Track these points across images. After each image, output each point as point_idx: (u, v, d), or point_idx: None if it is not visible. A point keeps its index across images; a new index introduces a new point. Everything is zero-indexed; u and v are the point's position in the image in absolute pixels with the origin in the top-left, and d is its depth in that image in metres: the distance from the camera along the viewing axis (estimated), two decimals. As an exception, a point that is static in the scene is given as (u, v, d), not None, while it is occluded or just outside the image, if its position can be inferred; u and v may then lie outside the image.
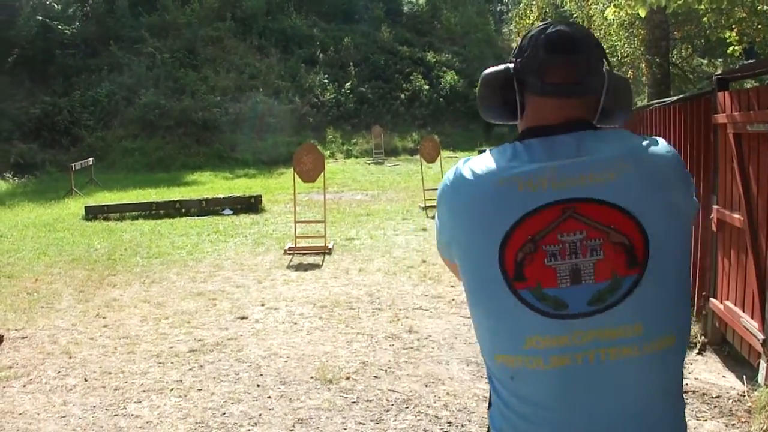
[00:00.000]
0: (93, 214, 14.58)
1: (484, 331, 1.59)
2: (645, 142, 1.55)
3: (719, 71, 8.08)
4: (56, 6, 31.38)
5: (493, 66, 1.74)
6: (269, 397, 5.14)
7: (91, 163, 21.02)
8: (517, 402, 1.53)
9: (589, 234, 1.44)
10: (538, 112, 1.62)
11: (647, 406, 1.48)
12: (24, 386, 5.47)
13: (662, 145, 1.56)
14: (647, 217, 1.45)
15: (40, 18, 29.43)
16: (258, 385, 5.35)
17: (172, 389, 5.32)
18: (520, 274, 1.46)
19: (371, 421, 4.69)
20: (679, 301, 1.53)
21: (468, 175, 1.57)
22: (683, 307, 1.55)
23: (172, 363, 5.91)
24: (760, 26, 11.96)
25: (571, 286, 1.44)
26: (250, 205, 15.32)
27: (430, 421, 4.67)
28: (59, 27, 29.53)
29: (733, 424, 4.54)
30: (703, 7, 10.46)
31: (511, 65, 1.68)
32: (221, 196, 16.32)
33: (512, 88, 1.65)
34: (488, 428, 1.65)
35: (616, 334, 1.44)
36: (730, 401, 4.87)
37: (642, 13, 9.05)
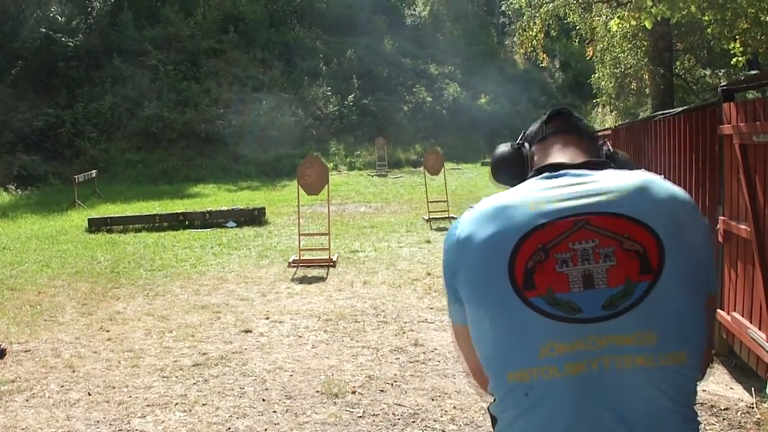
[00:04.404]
0: (96, 226, 14.57)
1: (492, 350, 1.56)
2: (657, 175, 1.61)
3: (722, 82, 8.07)
4: (60, 18, 31.53)
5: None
6: (275, 411, 5.10)
7: (94, 175, 21.05)
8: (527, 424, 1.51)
9: (602, 242, 1.47)
10: (544, 155, 1.73)
11: (657, 419, 1.45)
12: (27, 400, 5.43)
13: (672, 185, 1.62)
14: (663, 228, 1.48)
15: (44, 30, 29.53)
16: (263, 400, 5.32)
17: (177, 404, 5.28)
18: (530, 281, 1.47)
19: (377, 435, 4.66)
20: (692, 316, 1.51)
21: (473, 209, 1.61)
22: (697, 324, 1.53)
23: (176, 377, 5.88)
24: (763, 37, 11.97)
25: (584, 290, 1.45)
26: (254, 217, 15.32)
27: (437, 435, 4.64)
28: (63, 39, 29.59)
29: (743, 437, 4.52)
30: (707, 18, 10.48)
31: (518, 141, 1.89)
32: (224, 208, 16.34)
33: (520, 150, 1.83)
34: None
35: (630, 340, 1.43)
36: (739, 413, 4.84)
37: (648, 25, 9.08)
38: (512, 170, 1.81)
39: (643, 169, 1.64)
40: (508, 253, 1.48)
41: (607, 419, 1.44)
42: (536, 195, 1.54)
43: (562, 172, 1.60)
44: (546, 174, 1.61)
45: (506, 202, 1.55)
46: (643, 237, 1.47)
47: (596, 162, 1.65)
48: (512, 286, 1.47)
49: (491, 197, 1.59)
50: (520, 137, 1.88)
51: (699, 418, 1.54)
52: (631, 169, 1.71)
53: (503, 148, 1.89)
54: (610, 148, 1.79)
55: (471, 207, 1.63)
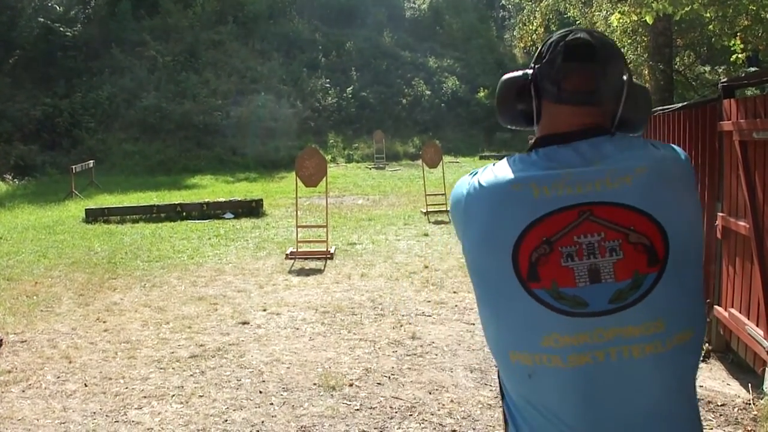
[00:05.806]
0: (93, 216, 14.56)
1: (495, 330, 1.57)
2: (660, 147, 1.57)
3: (722, 79, 8.05)
4: (58, 8, 31.44)
5: (512, 71, 1.72)
6: (271, 403, 5.10)
7: (91, 165, 21.02)
8: (532, 408, 1.51)
9: (607, 236, 1.45)
10: (554, 120, 1.60)
11: (667, 403, 1.47)
12: (23, 391, 5.43)
13: (677, 150, 1.59)
14: (665, 216, 1.47)
15: (42, 20, 29.46)
16: (260, 392, 5.32)
17: (174, 395, 5.28)
18: (534, 274, 1.46)
19: (375, 428, 4.65)
20: (695, 297, 1.54)
21: (482, 180, 1.57)
22: (699, 304, 1.56)
23: (173, 369, 5.87)
24: (763, 34, 11.96)
25: (591, 285, 1.44)
26: (252, 209, 15.32)
27: (434, 429, 4.63)
28: (61, 29, 29.53)
29: (739, 433, 4.52)
30: (708, 15, 10.45)
31: (530, 71, 1.65)
32: (222, 199, 16.33)
33: (529, 95, 1.64)
34: None
35: (639, 331, 1.44)
36: (736, 409, 4.84)
37: (649, 20, 9.06)
38: (517, 107, 1.68)
39: (641, 138, 1.62)
40: (512, 242, 1.47)
41: (614, 410, 1.45)
42: (540, 176, 1.50)
43: (566, 146, 1.54)
44: (550, 148, 1.56)
45: (510, 180, 1.51)
46: (647, 228, 1.45)
47: (602, 128, 1.56)
48: (516, 276, 1.47)
49: (497, 169, 1.56)
50: (532, 64, 1.66)
51: None
52: (648, 112, 1.67)
53: (512, 76, 1.71)
54: (629, 95, 1.60)
55: (475, 174, 1.59)
